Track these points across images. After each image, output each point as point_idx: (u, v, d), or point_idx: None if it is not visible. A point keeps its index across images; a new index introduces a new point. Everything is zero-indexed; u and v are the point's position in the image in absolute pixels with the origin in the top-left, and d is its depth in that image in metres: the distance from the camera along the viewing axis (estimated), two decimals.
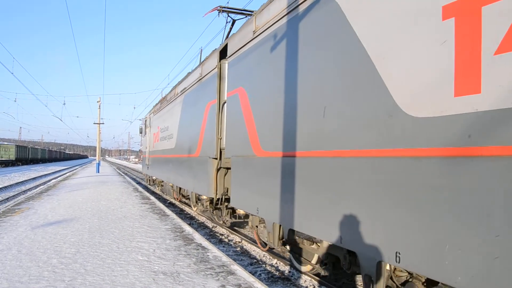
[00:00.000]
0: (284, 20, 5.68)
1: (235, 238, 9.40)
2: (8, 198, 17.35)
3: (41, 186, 21.70)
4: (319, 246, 5.47)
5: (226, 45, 8.37)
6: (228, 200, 8.49)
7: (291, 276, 6.47)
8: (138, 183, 26.90)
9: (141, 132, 24.09)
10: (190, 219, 12.32)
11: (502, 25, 2.62)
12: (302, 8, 5.19)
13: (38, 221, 8.73)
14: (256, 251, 8.09)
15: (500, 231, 2.55)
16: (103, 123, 37.39)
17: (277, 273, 6.66)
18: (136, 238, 7.16)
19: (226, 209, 9.19)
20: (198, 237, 7.36)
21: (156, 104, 19.26)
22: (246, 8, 10.69)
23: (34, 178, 30.97)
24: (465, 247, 2.78)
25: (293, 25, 5.44)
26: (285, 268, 6.89)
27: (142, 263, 5.46)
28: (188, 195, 12.29)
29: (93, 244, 6.61)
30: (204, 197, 10.13)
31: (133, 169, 55.80)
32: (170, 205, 15.74)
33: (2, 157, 59.82)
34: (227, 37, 9.73)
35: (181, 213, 13.49)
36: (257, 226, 7.16)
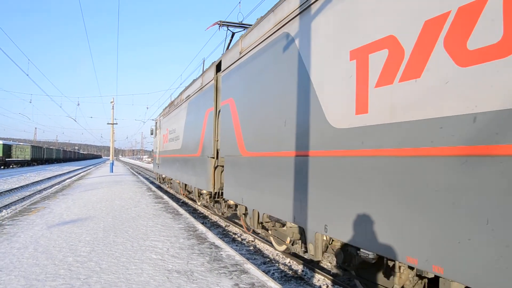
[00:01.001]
0: (260, 46, 6.91)
1: (248, 237, 9.40)
2: (24, 198, 17.67)
3: (56, 186, 22.03)
4: (287, 228, 6.48)
5: (221, 60, 9.62)
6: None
7: (304, 275, 6.44)
8: (152, 182, 27.11)
9: (152, 134, 25.53)
10: (203, 218, 12.37)
11: (379, 68, 3.91)
12: (271, 39, 6.41)
13: (53, 220, 8.86)
14: (269, 250, 8.08)
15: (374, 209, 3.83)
16: (116, 124, 37.79)
17: (290, 272, 6.64)
18: (150, 237, 7.21)
19: (224, 202, 10.29)
20: (211, 236, 7.38)
21: (165, 107, 20.78)
22: (244, 22, 11.59)
23: (49, 178, 31.48)
24: (371, 218, 3.94)
25: (265, 52, 6.72)
26: (299, 267, 6.86)
27: (156, 262, 5.50)
28: (192, 191, 13.68)
29: (107, 242, 6.67)
30: (204, 191, 11.59)
31: (146, 169, 56.29)
32: (183, 204, 15.82)
33: (18, 157, 60.98)
34: (227, 48, 10.58)
35: (194, 212, 13.55)
36: (243, 214, 8.20)
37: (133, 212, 10.34)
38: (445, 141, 3.14)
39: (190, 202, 15.97)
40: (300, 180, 5.39)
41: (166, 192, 20.22)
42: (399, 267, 3.97)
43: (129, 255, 5.84)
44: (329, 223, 4.69)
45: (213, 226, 11.10)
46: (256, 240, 8.98)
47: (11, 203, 15.70)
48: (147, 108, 46.72)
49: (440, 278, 3.34)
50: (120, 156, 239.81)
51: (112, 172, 34.27)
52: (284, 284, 5.98)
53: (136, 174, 34.78)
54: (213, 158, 10.00)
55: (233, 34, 11.53)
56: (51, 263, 5.38)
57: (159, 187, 23.09)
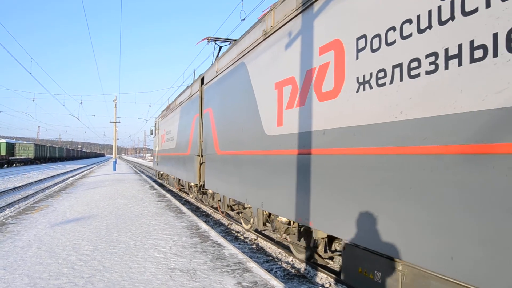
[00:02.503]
0: (228, 69, 9.05)
1: (251, 235, 9.41)
2: (27, 196, 17.74)
3: (59, 184, 22.11)
4: (247, 208, 8.58)
5: (204, 76, 11.87)
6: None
7: (307, 274, 6.44)
8: (154, 181, 27.16)
9: (151, 134, 27.86)
10: (206, 217, 12.39)
11: (287, 97, 5.83)
12: (235, 65, 8.58)
13: (56, 219, 8.89)
14: (272, 249, 8.08)
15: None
16: (119, 122, 37.82)
17: (293, 271, 6.64)
18: (152, 235, 7.22)
19: (209, 193, 12.24)
20: (214, 235, 7.38)
21: (163, 110, 23.08)
22: (229, 38, 13.41)
23: (52, 176, 31.58)
24: (285, 195, 5.93)
25: (231, 75, 8.82)
26: (301, 266, 6.86)
27: (159, 260, 5.51)
28: (184, 185, 16.28)
29: (110, 241, 6.69)
30: (193, 184, 14.02)
31: (149, 167, 56.38)
32: (186, 202, 15.85)
33: (21, 156, 61.18)
34: (216, 58, 11.84)
35: (196, 211, 13.57)
36: (218, 200, 10.51)
37: (136, 210, 10.36)
38: (324, 144, 4.91)
39: (190, 199, 15.99)
40: (249, 171, 7.50)
41: (169, 191, 20.25)
42: (292, 222, 6.58)
43: (132, 254, 5.85)
44: (263, 201, 6.80)
45: (215, 224, 11.11)
46: (258, 239, 8.98)
47: (14, 202, 15.77)
48: (150, 106, 46.79)
49: (312, 228, 5.41)
50: (123, 154, 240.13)
51: (115, 170, 34.34)
52: (286, 283, 5.98)
53: (139, 172, 34.86)
54: (199, 156, 12.01)
55: (220, 47, 13.29)
56: (55, 261, 5.40)
57: (161, 185, 23.13)
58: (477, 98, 2.88)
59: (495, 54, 2.77)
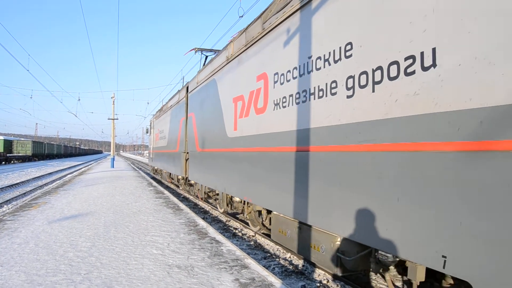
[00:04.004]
0: (205, 83, 11.19)
1: (249, 232, 9.41)
2: (25, 193, 17.69)
3: (57, 181, 22.07)
4: (220, 195, 10.16)
5: (189, 85, 14.13)
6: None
7: (305, 270, 6.44)
8: (152, 177, 27.14)
9: (147, 132, 31.12)
10: (204, 213, 12.38)
11: (239, 109, 7.82)
12: (209, 80, 10.73)
13: (54, 216, 8.88)
14: (270, 245, 8.09)
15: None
16: (117, 119, 37.76)
17: (290, 267, 6.64)
18: (150, 232, 7.21)
19: (194, 184, 14.05)
20: (212, 231, 7.38)
21: (157, 111, 25.82)
22: (214, 48, 15.46)
23: (50, 173, 31.51)
24: (238, 181, 7.98)
25: (206, 87, 10.93)
26: (299, 262, 6.87)
27: (156, 257, 5.50)
28: (173, 178, 18.73)
29: (108, 238, 6.68)
30: (180, 177, 16.64)
31: (147, 164, 56.29)
32: (184, 199, 15.84)
33: (19, 153, 61.01)
34: (199, 71, 13.39)
35: (195, 208, 13.56)
36: (198, 189, 12.74)
37: (134, 207, 10.35)
38: (259, 144, 6.77)
39: (191, 198, 15.99)
40: (217, 165, 9.56)
41: (166, 187, 20.23)
42: (242, 201, 8.96)
43: (130, 250, 5.84)
44: (226, 186, 8.89)
45: (213, 221, 11.10)
46: (256, 235, 8.98)
47: (12, 199, 15.72)
48: (148, 103, 46.77)
49: (253, 204, 7.73)
50: (121, 151, 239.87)
51: (113, 167, 34.31)
52: (284, 279, 5.98)
53: (137, 169, 34.81)
54: (185, 152, 14.01)
55: (206, 57, 15.32)
56: (52, 258, 5.39)
57: (159, 182, 23.11)
58: (332, 118, 4.63)
59: (334, 94, 4.62)
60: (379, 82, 3.86)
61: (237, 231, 9.60)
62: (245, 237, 9.01)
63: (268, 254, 7.47)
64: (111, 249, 5.93)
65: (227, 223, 10.76)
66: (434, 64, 3.20)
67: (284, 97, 5.82)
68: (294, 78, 5.56)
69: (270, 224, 7.39)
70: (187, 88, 14.11)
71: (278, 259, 7.12)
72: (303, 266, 6.64)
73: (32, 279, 4.50)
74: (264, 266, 5.89)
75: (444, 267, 3.04)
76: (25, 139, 69.37)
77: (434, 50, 3.21)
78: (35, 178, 26.23)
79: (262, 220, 7.87)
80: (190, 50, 15.15)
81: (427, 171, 3.23)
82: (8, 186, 20.25)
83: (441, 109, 3.12)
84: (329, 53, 4.73)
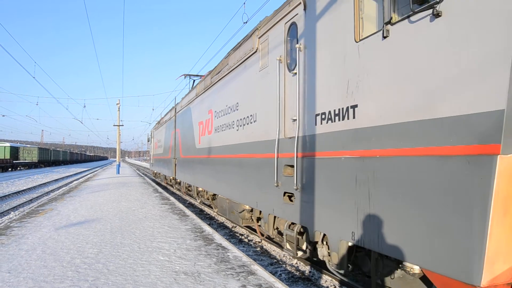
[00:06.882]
0: (185, 108, 15.73)
1: (255, 238, 9.39)
2: (32, 200, 17.79)
3: (63, 188, 22.16)
4: (206, 192, 12.83)
5: (176, 106, 18.84)
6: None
7: (312, 276, 6.41)
8: (158, 184, 27.18)
9: (148, 141, 37.09)
10: (209, 220, 12.37)
11: (201, 130, 12.42)
12: (186, 107, 15.41)
13: (61, 222, 8.91)
14: (276, 251, 8.06)
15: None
16: (122, 125, 37.91)
17: (297, 273, 6.61)
18: (157, 238, 7.21)
19: (182, 184, 18.22)
20: (218, 237, 7.37)
21: (156, 124, 31.20)
22: (200, 73, 19.96)
23: (56, 180, 31.67)
24: (205, 178, 12.14)
25: (185, 112, 15.50)
26: (306, 268, 6.83)
27: (163, 263, 5.50)
28: (167, 179, 23.67)
29: (115, 244, 6.69)
30: (171, 177, 20.79)
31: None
32: (190, 205, 15.84)
33: (25, 160, 61.42)
34: (192, 87, 17.10)
35: (200, 214, 13.56)
36: (185, 187, 17.17)
37: (140, 213, 10.37)
38: (211, 153, 10.96)
39: (193, 201, 16.00)
40: (191, 167, 13.91)
41: (172, 194, 20.26)
42: (206, 191, 12.70)
43: (137, 257, 5.84)
44: (197, 182, 13.26)
45: (220, 227, 11.09)
46: (263, 241, 8.96)
47: (19, 205, 15.82)
48: (153, 109, 46.97)
49: (210, 191, 11.85)
50: (126, 157, 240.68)
51: (118, 173, 34.40)
52: (291, 285, 5.95)
53: (143, 175, 34.89)
54: (174, 158, 18.29)
55: (194, 81, 19.91)
56: (59, 264, 5.40)
57: (165, 189, 23.14)
58: (232, 140, 9.00)
59: (232, 127, 9.04)
60: (246, 124, 7.97)
61: (243, 237, 9.58)
62: (251, 243, 8.98)
63: (275, 260, 7.44)
64: (118, 255, 5.93)
65: (233, 229, 10.75)
66: (255, 120, 7.52)
67: (220, 125, 9.99)
68: (223, 115, 9.68)
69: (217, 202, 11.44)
70: (175, 109, 18.86)
71: (284, 265, 7.09)
72: (310, 272, 6.60)
73: (39, 286, 4.51)
74: (270, 272, 5.86)
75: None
76: (31, 146, 69.82)
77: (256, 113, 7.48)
78: (41, 184, 26.37)
79: (216, 201, 11.74)
80: (180, 76, 20.81)
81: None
82: (15, 192, 20.38)
83: (270, 138, 6.75)
84: (232, 105, 8.92)
